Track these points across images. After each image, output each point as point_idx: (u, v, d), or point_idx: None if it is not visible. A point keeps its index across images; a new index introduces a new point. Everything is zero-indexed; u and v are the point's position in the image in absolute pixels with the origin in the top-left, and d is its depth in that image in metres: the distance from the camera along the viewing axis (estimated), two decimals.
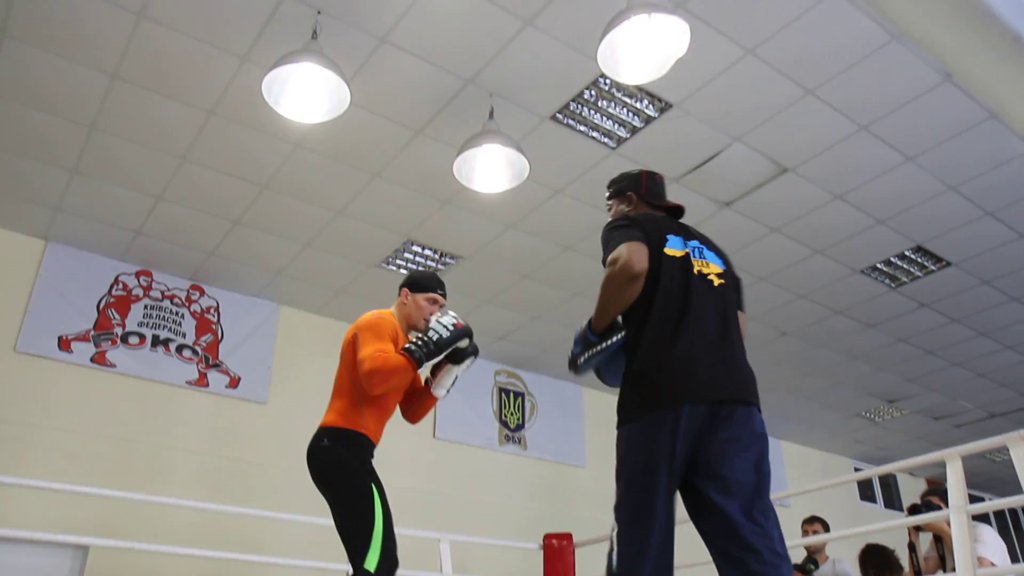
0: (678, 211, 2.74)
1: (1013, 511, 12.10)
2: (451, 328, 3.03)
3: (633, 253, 2.29)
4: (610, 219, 2.63)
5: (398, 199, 5.64)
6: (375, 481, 2.93)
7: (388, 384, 2.95)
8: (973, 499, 4.06)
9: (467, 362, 3.21)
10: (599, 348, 2.43)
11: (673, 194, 5.57)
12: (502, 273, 6.61)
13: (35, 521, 4.83)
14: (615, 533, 2.17)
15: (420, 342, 2.98)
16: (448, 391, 3.29)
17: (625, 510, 2.17)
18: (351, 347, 3.12)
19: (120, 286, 6.32)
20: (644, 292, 2.33)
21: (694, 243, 2.50)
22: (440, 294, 3.28)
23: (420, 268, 6.53)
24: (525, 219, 5.88)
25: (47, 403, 5.73)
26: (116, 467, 5.71)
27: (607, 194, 2.80)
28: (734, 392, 2.21)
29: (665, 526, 2.12)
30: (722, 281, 2.46)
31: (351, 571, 2.79)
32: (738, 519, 2.08)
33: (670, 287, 2.34)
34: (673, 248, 2.43)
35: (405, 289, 3.30)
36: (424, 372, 3.24)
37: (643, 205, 2.73)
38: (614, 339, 2.41)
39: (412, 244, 6.21)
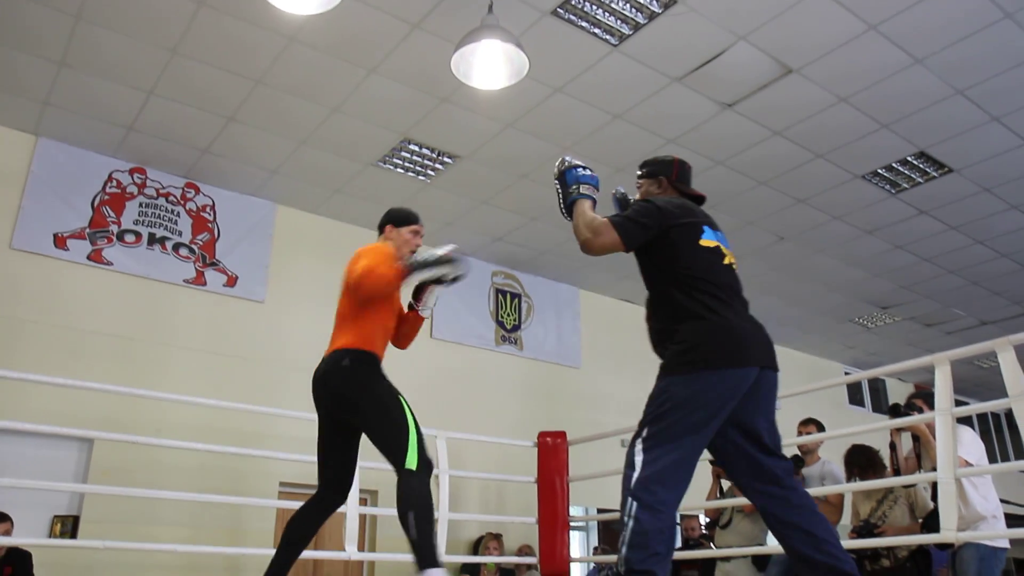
0: (702, 200, 2.96)
1: (996, 415, 12.40)
2: (441, 253, 3.14)
3: (603, 241, 2.67)
4: (639, 196, 2.88)
5: (395, 96, 5.53)
6: (398, 392, 3.10)
7: (378, 288, 3.09)
8: (959, 404, 4.14)
9: (450, 284, 3.33)
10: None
11: (674, 94, 5.49)
12: (500, 173, 6.55)
13: (41, 415, 4.92)
14: (640, 459, 2.44)
15: (412, 260, 3.13)
16: (431, 309, 3.45)
17: (661, 441, 2.45)
18: (350, 272, 3.22)
19: (114, 183, 6.26)
20: (686, 263, 2.64)
21: (720, 235, 2.79)
22: (420, 225, 3.47)
23: (417, 168, 6.46)
24: (524, 118, 5.78)
25: (45, 300, 5.76)
26: (117, 363, 5.80)
27: (639, 173, 2.99)
28: (771, 361, 2.60)
29: (692, 464, 2.50)
30: (737, 268, 2.81)
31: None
32: (762, 459, 2.54)
33: (712, 267, 2.66)
34: (708, 240, 2.71)
35: (389, 225, 3.44)
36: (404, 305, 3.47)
37: (671, 190, 2.95)
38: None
39: (409, 143, 6.12)
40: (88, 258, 5.98)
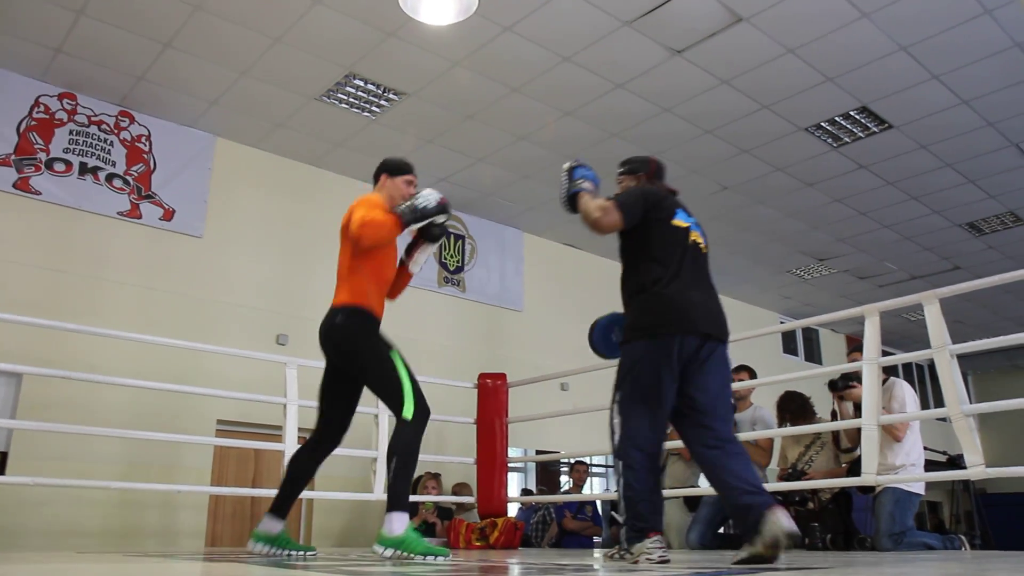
0: (675, 194, 3.24)
1: (920, 366, 12.93)
2: (436, 201, 3.33)
3: (611, 219, 2.96)
4: (619, 191, 3.22)
5: (340, 28, 5.36)
6: (390, 346, 3.30)
7: (377, 237, 3.22)
8: (886, 354, 4.30)
9: (441, 240, 3.62)
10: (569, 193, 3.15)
11: (625, 38, 5.45)
12: (447, 112, 6.44)
13: None
14: (617, 422, 2.90)
15: (403, 206, 3.31)
16: (420, 267, 3.65)
17: (626, 406, 2.89)
18: (346, 226, 3.37)
19: (41, 108, 5.97)
20: (651, 244, 2.99)
21: (693, 219, 3.12)
22: (414, 175, 3.60)
23: (362, 104, 6.31)
24: (473, 56, 5.67)
25: None
26: (46, 297, 5.61)
27: (621, 171, 3.31)
28: (717, 331, 2.97)
29: (659, 422, 2.90)
30: (706, 250, 3.13)
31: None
32: (704, 420, 2.86)
33: (674, 246, 2.99)
34: (679, 220, 3.05)
35: (384, 174, 3.57)
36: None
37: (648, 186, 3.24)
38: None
39: (354, 77, 5.96)
40: (14, 186, 5.73)
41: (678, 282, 2.92)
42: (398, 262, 3.61)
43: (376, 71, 5.88)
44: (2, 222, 5.63)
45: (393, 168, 3.57)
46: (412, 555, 2.89)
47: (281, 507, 3.42)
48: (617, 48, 5.55)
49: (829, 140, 6.78)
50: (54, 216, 5.87)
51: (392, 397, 3.23)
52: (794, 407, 5.02)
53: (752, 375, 5.33)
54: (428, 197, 3.32)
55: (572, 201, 3.12)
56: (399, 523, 2.97)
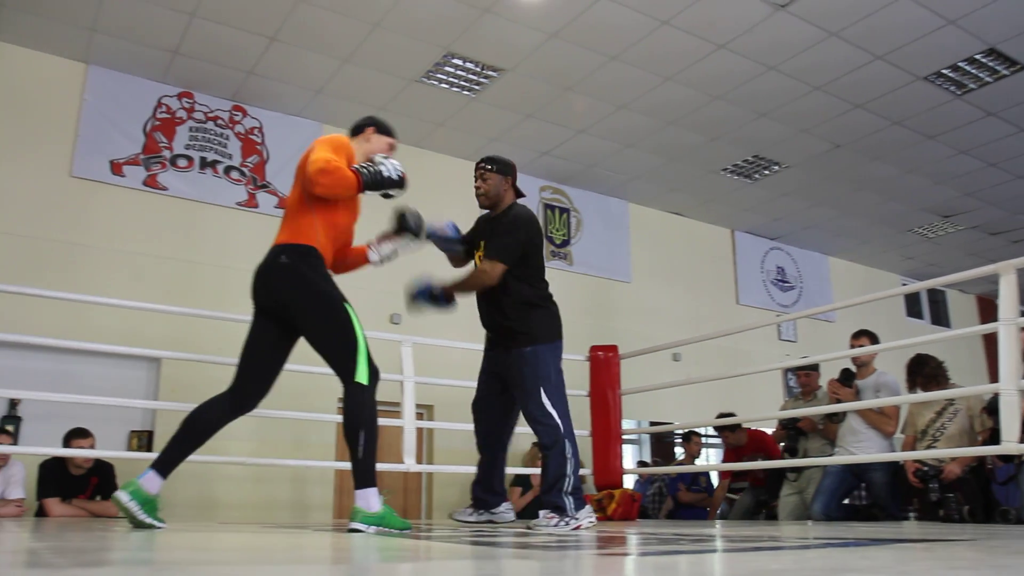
0: (522, 195, 3.74)
1: None
2: (398, 170, 2.98)
3: (500, 271, 3.42)
4: (485, 185, 3.59)
5: (436, 8, 5.41)
6: (344, 297, 2.92)
7: (332, 189, 2.84)
8: None
9: (408, 238, 3.17)
10: (441, 307, 3.53)
11: None
12: (546, 85, 6.42)
13: (107, 336, 5.11)
14: (554, 413, 3.36)
15: (369, 167, 2.94)
16: (381, 262, 3.23)
17: (559, 400, 3.42)
18: (306, 161, 2.94)
19: (164, 108, 6.31)
20: (540, 264, 3.60)
21: None
22: (396, 142, 3.27)
23: (462, 83, 6.36)
24: (569, 26, 5.62)
25: (106, 226, 5.92)
26: (177, 286, 5.96)
27: (488, 167, 3.58)
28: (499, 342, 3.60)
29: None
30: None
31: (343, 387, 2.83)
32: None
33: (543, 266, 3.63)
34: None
35: (371, 127, 3.21)
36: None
37: (511, 189, 3.65)
38: (450, 306, 3.57)
39: (452, 57, 6.01)
40: (144, 183, 6.10)
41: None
42: (366, 245, 3.23)
43: (473, 49, 5.91)
44: (135, 217, 6.00)
45: (382, 126, 3.22)
46: (391, 530, 2.70)
47: (168, 466, 3.01)
48: (717, 7, 5.38)
49: (952, 88, 6.37)
50: (180, 209, 6.21)
51: (343, 355, 2.83)
52: (927, 371, 4.75)
53: (873, 340, 5.08)
54: (393, 167, 2.97)
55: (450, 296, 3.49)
56: (375, 499, 2.76)
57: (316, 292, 2.90)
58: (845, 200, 8.59)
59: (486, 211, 3.70)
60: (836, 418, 5.05)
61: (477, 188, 3.56)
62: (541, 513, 3.33)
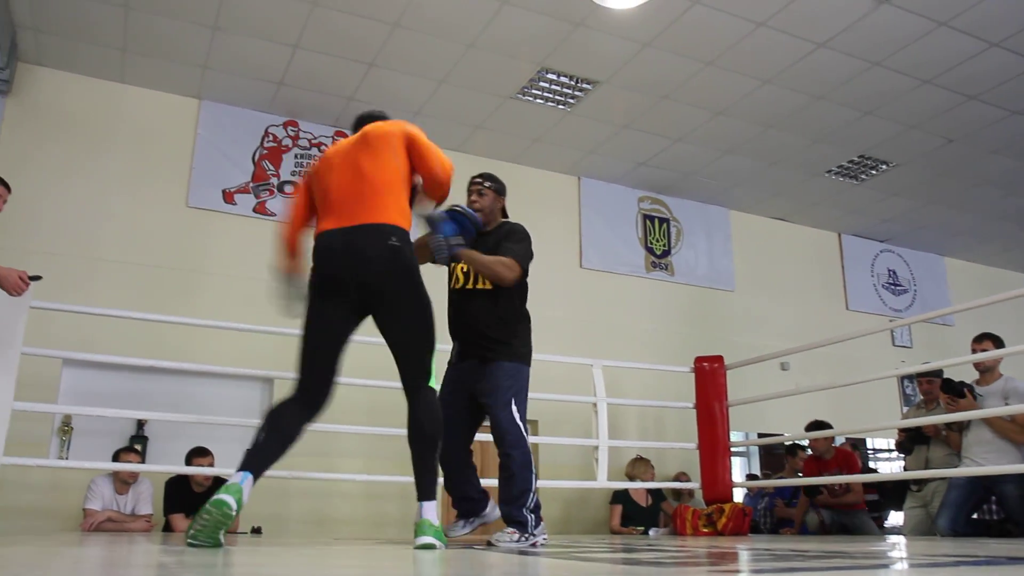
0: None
1: None
2: (445, 244, 3.17)
3: (520, 274, 3.41)
4: (482, 201, 3.53)
5: (529, 25, 5.46)
6: None
7: (442, 195, 3.01)
8: None
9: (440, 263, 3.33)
10: (455, 240, 3.27)
11: None
12: (641, 95, 6.37)
13: (222, 358, 5.34)
14: (523, 427, 3.37)
15: (439, 215, 3.13)
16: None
17: (523, 416, 3.40)
18: (401, 140, 3.00)
19: (271, 137, 6.59)
20: (525, 285, 3.53)
21: None
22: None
23: (557, 97, 6.39)
24: (662, 35, 5.56)
25: (220, 253, 6.21)
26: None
27: (487, 184, 3.58)
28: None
29: None
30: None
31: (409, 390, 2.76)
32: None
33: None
34: None
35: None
36: None
37: (501, 211, 3.64)
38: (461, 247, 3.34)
39: (547, 72, 6.05)
40: (254, 210, 6.37)
41: None
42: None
43: (567, 63, 5.93)
44: (247, 243, 6.26)
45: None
46: (443, 545, 2.61)
47: (264, 465, 2.73)
48: (816, 5, 5.22)
49: None
50: None
51: (424, 355, 2.72)
52: None
53: (998, 344, 4.78)
54: (447, 226, 3.12)
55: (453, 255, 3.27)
56: (435, 513, 2.67)
57: (419, 284, 2.72)
58: (961, 197, 8.16)
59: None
60: (956, 427, 4.78)
61: (473, 203, 3.53)
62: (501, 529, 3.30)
